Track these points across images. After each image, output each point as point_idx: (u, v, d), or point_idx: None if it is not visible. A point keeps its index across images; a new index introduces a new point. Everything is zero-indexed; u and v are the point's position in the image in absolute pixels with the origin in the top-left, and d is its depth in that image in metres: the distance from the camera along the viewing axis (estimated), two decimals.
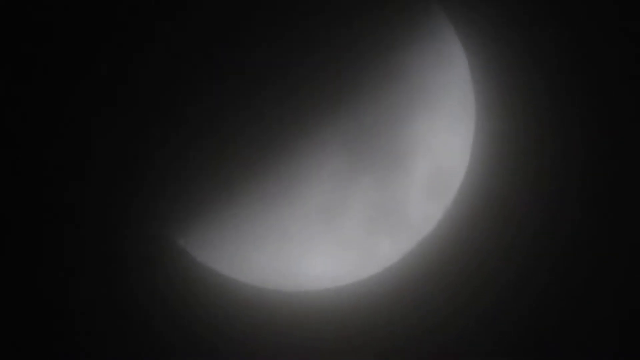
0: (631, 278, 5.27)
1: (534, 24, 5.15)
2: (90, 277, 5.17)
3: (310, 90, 4.83)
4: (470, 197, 5.19)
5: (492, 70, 5.16)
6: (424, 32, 4.99)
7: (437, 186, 5.09)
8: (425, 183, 5.03)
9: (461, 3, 5.11)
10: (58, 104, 4.92)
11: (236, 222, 4.96)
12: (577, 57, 5.18)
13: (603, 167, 5.24)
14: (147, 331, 5.22)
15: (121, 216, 5.06)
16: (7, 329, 5.14)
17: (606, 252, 5.29)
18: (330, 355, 5.23)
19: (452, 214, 5.18)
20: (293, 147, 4.84)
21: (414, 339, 5.24)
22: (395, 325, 5.24)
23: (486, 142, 5.18)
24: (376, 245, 5.07)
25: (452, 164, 5.13)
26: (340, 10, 4.86)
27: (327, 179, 4.89)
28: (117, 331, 5.21)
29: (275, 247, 4.99)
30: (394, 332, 5.23)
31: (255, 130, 4.85)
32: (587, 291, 5.30)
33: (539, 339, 5.27)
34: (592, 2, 5.14)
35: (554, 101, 5.19)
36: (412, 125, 4.95)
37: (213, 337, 5.26)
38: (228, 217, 4.95)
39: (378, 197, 4.95)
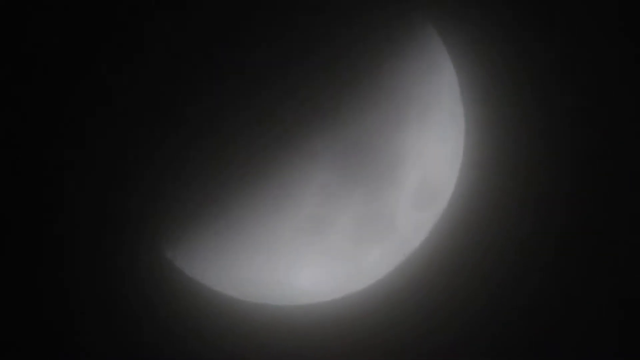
0: (621, 289, 5.28)
1: (522, 35, 5.16)
2: (79, 290, 5.13)
3: (299, 102, 4.81)
4: (460, 208, 5.19)
5: (480, 82, 5.17)
6: (412, 45, 4.98)
7: (426, 198, 5.08)
8: (415, 194, 5.02)
9: (449, 15, 5.12)
10: (43, 122, 4.90)
11: (225, 235, 4.93)
12: (566, 68, 5.19)
13: (594, 176, 5.25)
14: (135, 344, 5.18)
15: (110, 230, 5.02)
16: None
17: (596, 263, 5.30)
18: None
19: (442, 225, 5.17)
20: (282, 159, 4.82)
21: (404, 351, 5.22)
22: (385, 338, 5.22)
23: (475, 153, 5.18)
24: (366, 257, 5.05)
25: (441, 175, 5.13)
26: (328, 23, 4.84)
27: (316, 191, 4.87)
28: (105, 343, 5.17)
29: (264, 260, 4.96)
30: (384, 345, 5.21)
31: (244, 143, 4.82)
32: (576, 301, 5.31)
33: (529, 349, 5.27)
34: (581, 16, 5.16)
35: (543, 111, 5.20)
36: (402, 136, 4.93)
37: (202, 351, 5.22)
38: (217, 231, 4.92)
39: (368, 209, 4.93)
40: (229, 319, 5.22)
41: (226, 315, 5.21)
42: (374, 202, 4.93)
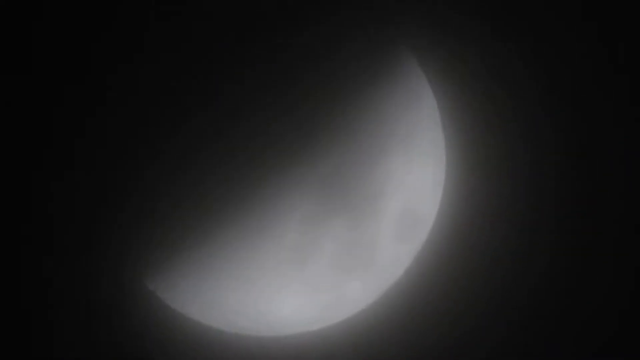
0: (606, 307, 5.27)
1: (503, 64, 5.17)
2: (60, 320, 5.12)
3: (281, 131, 4.82)
4: (442, 238, 5.18)
5: (461, 110, 5.18)
6: (393, 74, 5.00)
7: (408, 228, 5.07)
8: (396, 225, 5.01)
9: (430, 44, 5.14)
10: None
11: (207, 266, 4.92)
12: (548, 95, 5.20)
13: (578, 205, 5.24)
14: None
15: (91, 260, 5.01)
16: None
17: (581, 293, 5.28)
18: None
19: (424, 256, 5.15)
20: (264, 189, 4.82)
21: None
22: None
23: (457, 182, 5.18)
24: (347, 287, 5.03)
25: (423, 205, 5.12)
26: (310, 52, 4.87)
27: (298, 221, 4.87)
28: None
29: (246, 291, 4.95)
30: None
31: (225, 173, 4.82)
32: (561, 332, 5.28)
33: None
34: (562, 41, 5.18)
35: (525, 140, 5.20)
36: (383, 166, 4.94)
37: None
38: (198, 261, 4.91)
39: (349, 239, 4.93)
40: (210, 349, 5.19)
41: (207, 346, 5.19)
42: (355, 232, 4.92)
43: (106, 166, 4.86)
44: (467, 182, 5.19)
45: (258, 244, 4.85)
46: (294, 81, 4.80)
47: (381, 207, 4.94)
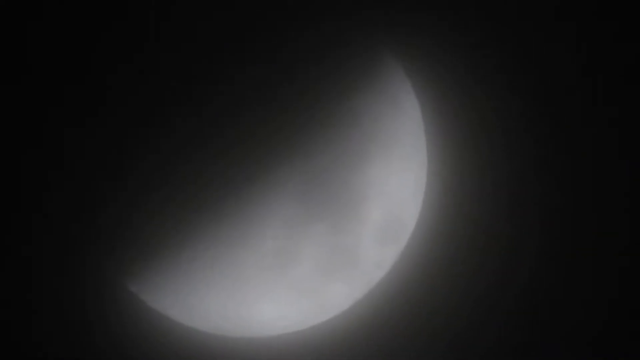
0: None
1: (486, 71, 5.22)
2: (42, 323, 5.11)
3: (264, 136, 4.84)
4: (423, 242, 5.23)
5: (444, 117, 5.22)
6: (376, 80, 5.03)
7: (390, 231, 5.11)
8: (378, 228, 5.05)
9: (411, 49, 5.17)
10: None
11: (188, 268, 4.93)
12: (529, 102, 5.26)
13: (559, 209, 5.31)
14: None
15: (74, 262, 5.01)
16: None
17: (564, 296, 5.35)
18: None
19: (405, 259, 5.20)
20: (246, 193, 4.84)
21: None
22: None
23: (438, 186, 5.23)
24: (329, 291, 5.06)
25: (404, 209, 5.16)
26: (293, 57, 4.89)
27: (280, 225, 4.89)
28: None
29: (227, 293, 4.96)
30: None
31: (208, 176, 4.84)
32: (544, 332, 5.34)
33: None
34: (543, 50, 5.24)
35: (506, 147, 5.26)
36: (365, 171, 4.97)
37: None
38: (180, 263, 4.92)
39: (331, 243, 4.96)
40: (192, 351, 5.21)
41: (190, 347, 5.21)
42: (337, 236, 4.96)
43: (90, 170, 4.86)
44: (449, 187, 5.24)
45: (241, 247, 4.87)
46: (276, 88, 4.82)
47: (363, 211, 4.98)
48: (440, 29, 5.16)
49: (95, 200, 4.90)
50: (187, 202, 4.84)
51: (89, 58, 4.82)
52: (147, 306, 5.10)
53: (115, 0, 4.85)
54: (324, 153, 4.89)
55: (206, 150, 4.82)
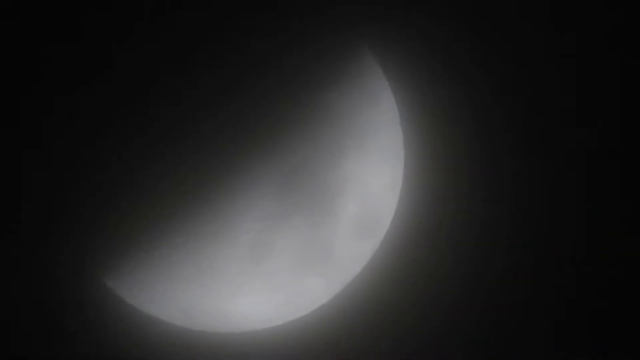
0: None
1: (462, 64, 5.22)
2: (19, 320, 5.10)
3: (240, 130, 4.82)
4: (400, 236, 5.22)
5: (420, 110, 5.22)
6: (352, 73, 5.02)
7: (366, 226, 5.11)
8: (354, 223, 5.04)
9: (388, 42, 5.17)
10: None
11: (165, 263, 4.92)
12: (507, 97, 5.26)
13: (534, 202, 5.32)
14: None
15: (51, 258, 4.99)
16: None
17: (537, 287, 5.36)
18: None
19: (382, 253, 5.20)
20: (222, 187, 4.83)
21: None
22: None
23: (415, 180, 5.23)
24: (306, 285, 5.06)
25: (381, 203, 5.16)
26: (268, 51, 4.87)
27: (256, 219, 4.88)
28: None
29: (204, 288, 4.95)
30: None
31: (184, 170, 4.82)
32: (519, 325, 5.36)
33: None
34: (523, 45, 5.24)
35: (483, 140, 5.26)
36: (341, 165, 4.97)
37: None
38: (157, 258, 4.91)
39: (308, 237, 4.95)
40: (169, 346, 5.20)
41: (167, 342, 5.20)
42: (313, 230, 4.95)
43: (65, 166, 4.84)
44: (425, 181, 5.24)
45: (216, 242, 4.86)
46: (251, 82, 4.81)
47: (339, 205, 4.97)
48: (417, 23, 5.15)
49: (72, 196, 4.88)
50: (163, 197, 4.83)
51: (57, 59, 4.80)
52: (123, 301, 5.09)
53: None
54: (300, 147, 4.88)
55: (182, 145, 4.80)
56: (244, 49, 4.82)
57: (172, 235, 4.86)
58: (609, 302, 5.35)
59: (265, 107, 4.85)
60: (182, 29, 4.78)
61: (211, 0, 4.83)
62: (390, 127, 5.15)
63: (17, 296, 5.07)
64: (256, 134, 4.83)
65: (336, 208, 4.96)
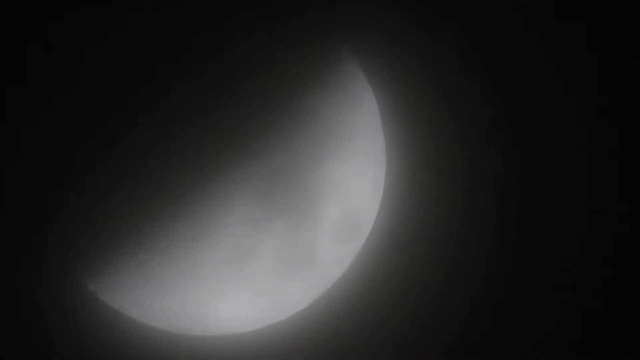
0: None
1: (444, 67, 5.22)
2: (0, 322, 5.10)
3: (221, 133, 4.82)
4: (381, 239, 5.22)
5: (402, 113, 5.22)
6: (334, 76, 5.02)
7: (348, 229, 5.11)
8: (336, 226, 5.04)
9: (370, 46, 5.17)
10: None
11: (147, 267, 4.92)
12: (485, 95, 5.26)
13: (516, 202, 5.31)
14: None
15: (33, 261, 4.99)
16: None
17: (520, 289, 5.36)
18: None
19: (364, 256, 5.20)
20: (203, 191, 4.83)
21: None
22: None
23: (397, 183, 5.22)
24: (287, 289, 5.06)
25: (363, 206, 5.16)
26: (250, 53, 4.87)
27: (238, 223, 4.88)
28: None
29: (186, 292, 4.95)
30: None
31: (165, 174, 4.82)
32: (503, 326, 5.36)
33: None
34: (504, 48, 5.24)
35: (465, 142, 5.25)
36: (323, 168, 4.96)
37: None
38: (139, 262, 4.91)
39: (289, 241, 4.95)
40: (151, 350, 5.20)
41: (148, 346, 5.19)
42: (295, 234, 4.95)
43: (47, 169, 4.84)
44: (407, 183, 5.23)
45: (198, 245, 4.86)
46: (233, 85, 4.81)
47: (321, 208, 4.97)
48: (398, 25, 5.15)
49: (54, 200, 4.88)
50: (145, 201, 4.83)
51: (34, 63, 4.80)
52: (106, 305, 5.09)
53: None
54: (282, 150, 4.88)
55: (164, 149, 4.80)
56: (224, 52, 4.82)
57: (154, 239, 4.86)
58: (604, 302, 5.35)
59: (246, 110, 4.84)
60: (161, 31, 4.78)
61: (188, 4, 4.83)
62: (372, 130, 5.15)
63: None
64: (237, 137, 4.83)
65: (317, 211, 4.95)
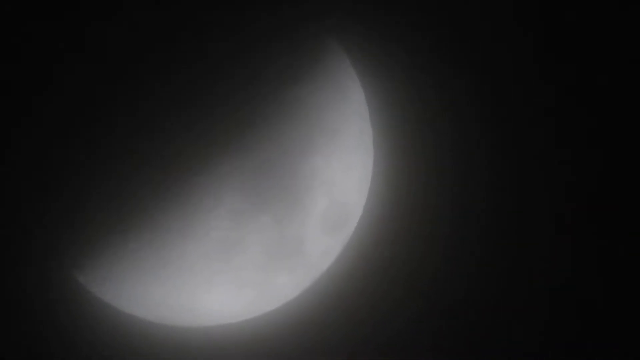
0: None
1: (432, 61, 5.22)
2: None
3: (208, 126, 4.82)
4: (369, 230, 5.24)
5: (390, 106, 5.22)
6: (322, 69, 5.02)
7: (335, 221, 5.12)
8: (323, 218, 5.05)
9: (358, 38, 5.16)
10: None
11: (134, 258, 4.92)
12: (473, 90, 5.26)
13: (504, 197, 5.33)
14: None
15: (20, 253, 4.99)
16: None
17: (507, 281, 5.38)
18: None
19: (351, 248, 5.21)
20: (191, 183, 4.83)
21: None
22: None
23: (384, 175, 5.23)
24: (274, 281, 5.07)
25: (350, 198, 5.16)
26: (237, 46, 4.86)
27: (225, 215, 4.88)
28: None
29: (173, 283, 4.96)
30: None
31: (152, 167, 4.82)
32: (489, 320, 5.38)
33: None
34: (493, 46, 5.24)
35: (453, 137, 5.26)
36: (310, 160, 4.97)
37: None
38: (126, 253, 4.91)
39: (276, 233, 4.96)
40: (138, 340, 5.21)
41: (136, 337, 5.21)
42: (282, 226, 4.95)
43: (35, 162, 4.83)
44: (395, 175, 5.24)
45: (185, 238, 4.87)
46: (221, 76, 4.80)
47: (308, 200, 4.97)
48: (386, 18, 5.14)
49: (41, 192, 4.88)
50: (132, 192, 4.83)
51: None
52: (94, 297, 5.10)
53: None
54: (269, 142, 4.88)
55: (151, 140, 4.80)
56: (210, 44, 4.80)
57: (142, 231, 4.86)
58: (603, 302, 5.38)
59: (234, 102, 4.84)
60: (147, 26, 4.77)
61: None
62: (360, 122, 5.15)
63: None
64: (224, 130, 4.83)
65: (305, 203, 4.96)
